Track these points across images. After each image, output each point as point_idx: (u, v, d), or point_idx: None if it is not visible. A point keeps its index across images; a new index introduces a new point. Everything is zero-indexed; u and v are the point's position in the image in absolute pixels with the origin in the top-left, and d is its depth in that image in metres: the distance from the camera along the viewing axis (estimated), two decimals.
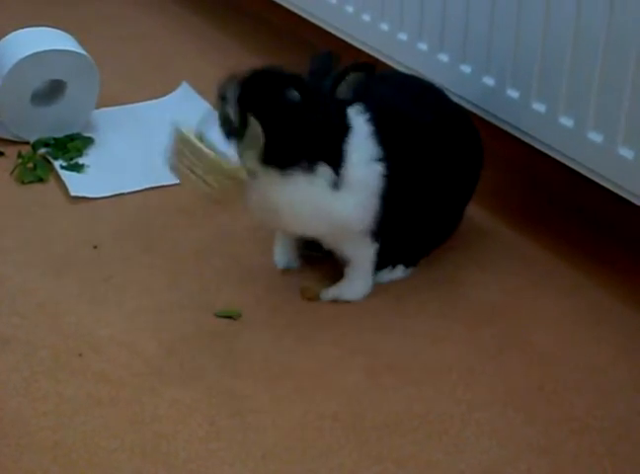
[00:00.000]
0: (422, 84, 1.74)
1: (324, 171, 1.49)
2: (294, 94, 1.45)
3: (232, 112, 1.45)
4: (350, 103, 1.51)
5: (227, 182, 1.48)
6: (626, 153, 1.56)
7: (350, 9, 2.17)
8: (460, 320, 1.61)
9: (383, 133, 1.54)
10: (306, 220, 1.53)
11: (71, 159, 2.07)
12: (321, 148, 1.49)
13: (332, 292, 1.65)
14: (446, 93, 1.75)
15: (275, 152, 1.47)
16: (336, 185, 1.50)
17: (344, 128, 1.51)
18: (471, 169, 1.73)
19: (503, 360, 1.51)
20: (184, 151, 1.49)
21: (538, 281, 1.70)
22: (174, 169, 1.53)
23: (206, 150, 1.46)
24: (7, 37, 2.15)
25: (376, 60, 2.11)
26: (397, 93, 1.65)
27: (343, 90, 1.48)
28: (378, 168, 1.52)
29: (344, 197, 1.51)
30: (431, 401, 1.43)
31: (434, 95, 1.72)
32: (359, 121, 1.52)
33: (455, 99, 1.80)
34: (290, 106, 1.46)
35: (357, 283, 1.65)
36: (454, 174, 1.68)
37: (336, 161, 1.49)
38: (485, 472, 1.30)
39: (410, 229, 1.65)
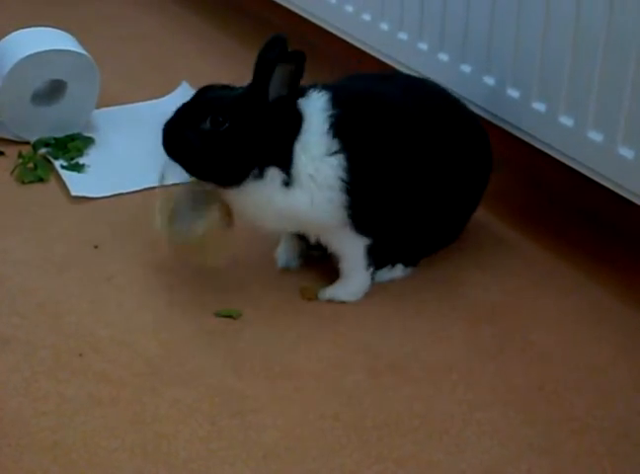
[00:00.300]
0: (427, 84, 1.73)
1: (273, 173, 1.52)
2: (210, 123, 1.50)
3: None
4: (287, 98, 1.51)
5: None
6: (626, 153, 1.56)
7: (350, 9, 2.17)
8: (461, 320, 1.61)
9: (353, 128, 1.54)
10: (269, 220, 1.57)
11: (72, 159, 2.07)
12: (263, 155, 1.52)
13: (328, 292, 1.65)
14: (456, 97, 1.74)
15: (213, 178, 1.55)
16: (287, 183, 1.53)
17: (285, 129, 1.52)
18: (477, 173, 1.70)
19: (503, 360, 1.51)
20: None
21: (539, 281, 1.70)
22: None
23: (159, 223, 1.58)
24: (7, 36, 2.15)
25: (377, 60, 2.11)
26: (394, 88, 1.64)
27: (275, 86, 1.49)
28: (336, 162, 1.52)
29: (296, 193, 1.53)
30: (431, 401, 1.43)
31: (437, 95, 1.70)
32: (317, 118, 1.53)
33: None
34: (208, 134, 1.51)
35: (352, 284, 1.65)
36: (455, 175, 1.65)
37: (282, 162, 1.52)
38: (486, 472, 1.31)
39: (405, 227, 1.64)
